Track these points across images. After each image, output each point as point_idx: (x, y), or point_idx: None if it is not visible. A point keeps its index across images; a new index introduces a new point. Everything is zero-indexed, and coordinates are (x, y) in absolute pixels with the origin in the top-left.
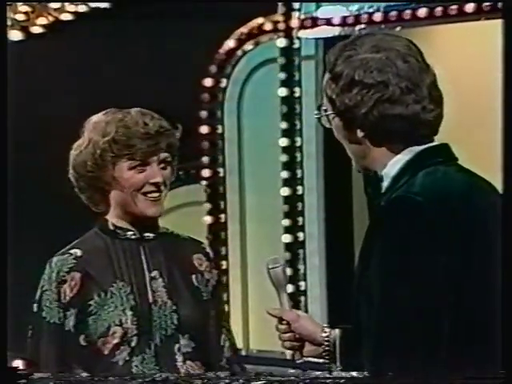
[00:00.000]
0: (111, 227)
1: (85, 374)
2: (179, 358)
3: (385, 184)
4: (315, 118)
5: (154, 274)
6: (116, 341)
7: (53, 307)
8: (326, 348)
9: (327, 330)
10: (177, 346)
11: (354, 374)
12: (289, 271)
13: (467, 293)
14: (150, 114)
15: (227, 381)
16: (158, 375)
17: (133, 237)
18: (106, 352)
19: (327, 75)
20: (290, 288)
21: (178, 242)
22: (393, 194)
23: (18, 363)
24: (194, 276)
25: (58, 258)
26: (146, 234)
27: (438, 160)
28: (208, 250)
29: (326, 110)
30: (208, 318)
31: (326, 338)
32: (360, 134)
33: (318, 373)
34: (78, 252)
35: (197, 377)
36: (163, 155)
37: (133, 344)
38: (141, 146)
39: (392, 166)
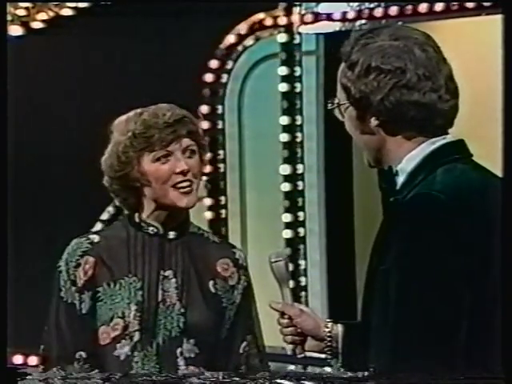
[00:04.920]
0: (137, 219)
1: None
2: (181, 361)
3: (401, 179)
4: (328, 108)
5: (168, 273)
6: (117, 333)
7: (71, 290)
8: (328, 343)
9: (329, 325)
10: (179, 349)
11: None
12: (290, 267)
13: (487, 292)
14: (170, 106)
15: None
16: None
17: (155, 233)
18: (103, 342)
19: (343, 65)
20: (291, 283)
21: (205, 245)
22: (411, 190)
23: (18, 359)
24: (211, 282)
25: (75, 240)
26: (170, 233)
27: (455, 157)
28: (238, 255)
29: (339, 102)
30: (223, 325)
31: (329, 334)
32: (374, 122)
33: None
34: (96, 238)
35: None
36: (185, 142)
37: (135, 339)
38: (159, 135)
39: (408, 161)
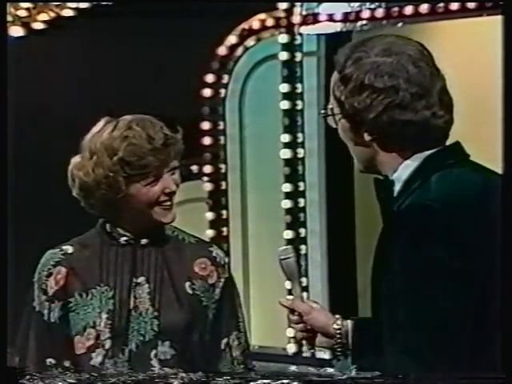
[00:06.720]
0: (108, 229)
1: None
2: (155, 363)
3: (397, 188)
4: (321, 116)
5: (141, 279)
6: (90, 343)
7: (41, 299)
8: (338, 340)
9: (339, 321)
10: (153, 351)
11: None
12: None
13: (490, 295)
14: (149, 121)
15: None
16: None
17: (126, 242)
18: (78, 352)
19: (336, 75)
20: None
21: (180, 247)
22: (406, 198)
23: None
24: (188, 284)
25: (50, 251)
26: (141, 240)
27: (449, 162)
28: (215, 253)
29: (332, 110)
30: (205, 324)
31: (339, 331)
32: (368, 137)
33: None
34: (70, 249)
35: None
36: (173, 164)
37: (106, 346)
38: (154, 163)
39: (403, 169)
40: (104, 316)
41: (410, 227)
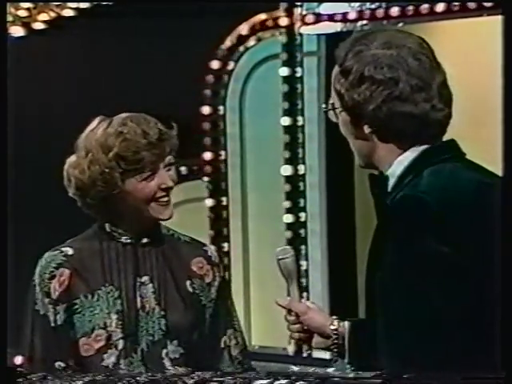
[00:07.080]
0: (108, 229)
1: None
2: (167, 362)
3: (391, 183)
4: (323, 111)
5: (145, 279)
6: (101, 344)
7: (44, 302)
8: (335, 341)
9: (336, 322)
10: (164, 351)
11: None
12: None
13: (482, 290)
14: (143, 118)
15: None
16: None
17: (127, 241)
18: (85, 354)
19: (337, 69)
20: (298, 279)
21: (177, 246)
22: (398, 193)
23: (19, 360)
24: (188, 282)
25: (49, 253)
26: (142, 239)
27: (444, 157)
28: (210, 253)
29: (333, 104)
30: (204, 322)
31: (335, 331)
32: (367, 130)
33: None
34: (70, 251)
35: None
36: (168, 159)
37: (120, 347)
38: (149, 158)
39: (397, 164)
40: (114, 317)
41: (402, 219)
